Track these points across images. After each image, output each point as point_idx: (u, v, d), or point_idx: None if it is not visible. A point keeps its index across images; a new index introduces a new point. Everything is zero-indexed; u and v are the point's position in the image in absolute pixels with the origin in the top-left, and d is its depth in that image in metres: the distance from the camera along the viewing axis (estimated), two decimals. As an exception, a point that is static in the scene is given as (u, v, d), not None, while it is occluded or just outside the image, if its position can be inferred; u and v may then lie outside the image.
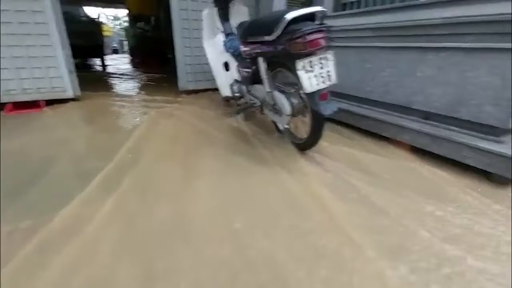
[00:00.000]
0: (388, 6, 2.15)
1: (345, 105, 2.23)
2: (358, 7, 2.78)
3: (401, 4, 2.02)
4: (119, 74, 5.82)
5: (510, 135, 1.44)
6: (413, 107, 1.78)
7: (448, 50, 1.59)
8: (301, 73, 1.32)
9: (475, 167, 1.41)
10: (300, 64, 1.32)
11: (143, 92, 3.75)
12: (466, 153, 1.44)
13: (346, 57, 2.28)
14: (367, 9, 2.38)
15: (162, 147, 1.81)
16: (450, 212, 1.14)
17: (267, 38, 1.44)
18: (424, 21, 1.70)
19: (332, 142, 1.84)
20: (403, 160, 1.61)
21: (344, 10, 3.03)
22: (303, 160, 1.61)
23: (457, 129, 1.55)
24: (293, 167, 1.53)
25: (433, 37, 1.67)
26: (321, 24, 1.36)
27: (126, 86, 4.22)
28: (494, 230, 1.04)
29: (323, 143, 1.77)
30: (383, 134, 1.87)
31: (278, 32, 1.35)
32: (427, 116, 1.70)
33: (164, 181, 1.39)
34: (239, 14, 2.32)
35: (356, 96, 2.21)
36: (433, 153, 1.59)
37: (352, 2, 3.27)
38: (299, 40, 1.28)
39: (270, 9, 3.24)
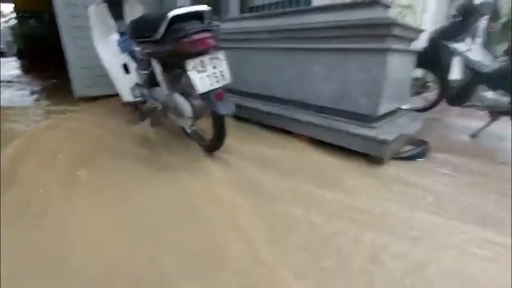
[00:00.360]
0: (285, 10, 2.31)
1: (254, 104, 2.30)
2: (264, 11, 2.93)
3: (294, 9, 2.19)
4: (1, 81, 4.74)
5: (380, 122, 1.71)
6: (309, 102, 1.95)
7: (332, 50, 1.79)
8: (192, 74, 1.28)
9: (358, 151, 1.62)
10: (190, 64, 1.27)
11: (29, 102, 3.13)
12: (350, 139, 1.65)
13: (253, 58, 2.35)
14: (267, 12, 2.52)
15: (43, 165, 1.51)
16: (330, 191, 1.30)
17: (153, 37, 1.35)
18: (312, 24, 1.87)
19: (240, 140, 1.86)
20: (302, 151, 1.75)
21: (251, 13, 3.14)
22: (209, 162, 1.58)
23: (342, 119, 1.76)
24: (199, 170, 1.48)
25: (320, 39, 1.86)
26: (209, 23, 1.34)
27: (7, 96, 3.45)
28: (363, 202, 1.22)
29: (232, 142, 1.77)
30: (287, 129, 2.00)
31: (161, 30, 1.28)
32: (320, 110, 1.89)
33: (38, 205, 1.16)
34: (134, 12, 2.13)
35: (264, 95, 2.30)
36: (327, 142, 1.76)
37: (258, 6, 3.41)
38: (185, 39, 1.23)
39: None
